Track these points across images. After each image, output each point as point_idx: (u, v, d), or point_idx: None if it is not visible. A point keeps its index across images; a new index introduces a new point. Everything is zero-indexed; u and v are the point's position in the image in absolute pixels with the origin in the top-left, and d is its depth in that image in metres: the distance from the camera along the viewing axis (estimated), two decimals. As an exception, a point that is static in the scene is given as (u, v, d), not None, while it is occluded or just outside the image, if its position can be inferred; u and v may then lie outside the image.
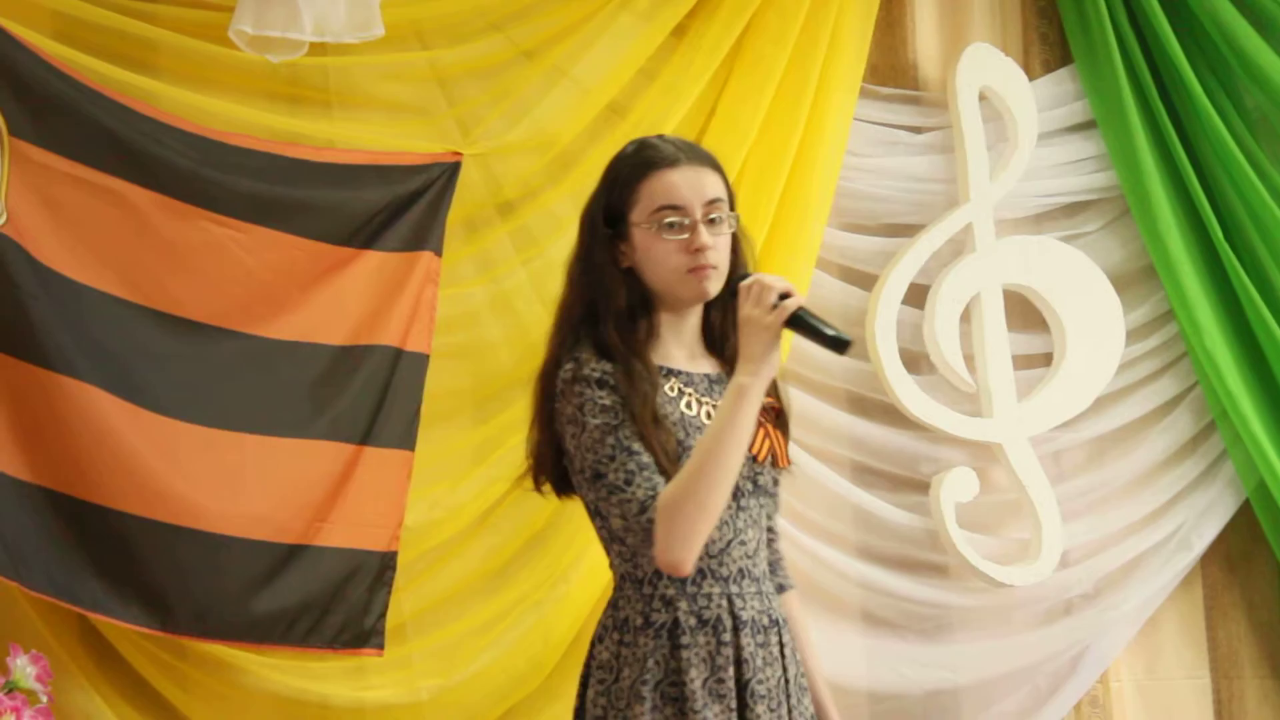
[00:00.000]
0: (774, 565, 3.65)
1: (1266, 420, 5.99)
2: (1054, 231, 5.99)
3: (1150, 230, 5.98)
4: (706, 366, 3.55)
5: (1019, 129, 5.86)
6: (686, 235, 3.44)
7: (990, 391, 5.77)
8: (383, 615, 4.91)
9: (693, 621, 3.39)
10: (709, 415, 3.45)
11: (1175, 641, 6.07)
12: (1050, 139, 5.97)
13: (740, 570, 3.44)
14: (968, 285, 5.78)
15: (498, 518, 5.11)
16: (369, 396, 4.93)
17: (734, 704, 3.37)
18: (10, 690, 4.09)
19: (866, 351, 5.66)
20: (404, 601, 4.99)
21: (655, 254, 3.47)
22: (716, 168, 3.54)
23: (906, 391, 5.69)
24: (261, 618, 4.76)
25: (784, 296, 3.33)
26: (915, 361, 5.75)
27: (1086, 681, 5.89)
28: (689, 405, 3.48)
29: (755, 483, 3.48)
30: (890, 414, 5.73)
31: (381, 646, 4.92)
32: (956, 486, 5.72)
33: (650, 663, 3.39)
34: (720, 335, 3.55)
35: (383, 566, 4.92)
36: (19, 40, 4.61)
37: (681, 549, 3.28)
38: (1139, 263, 6.07)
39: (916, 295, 5.74)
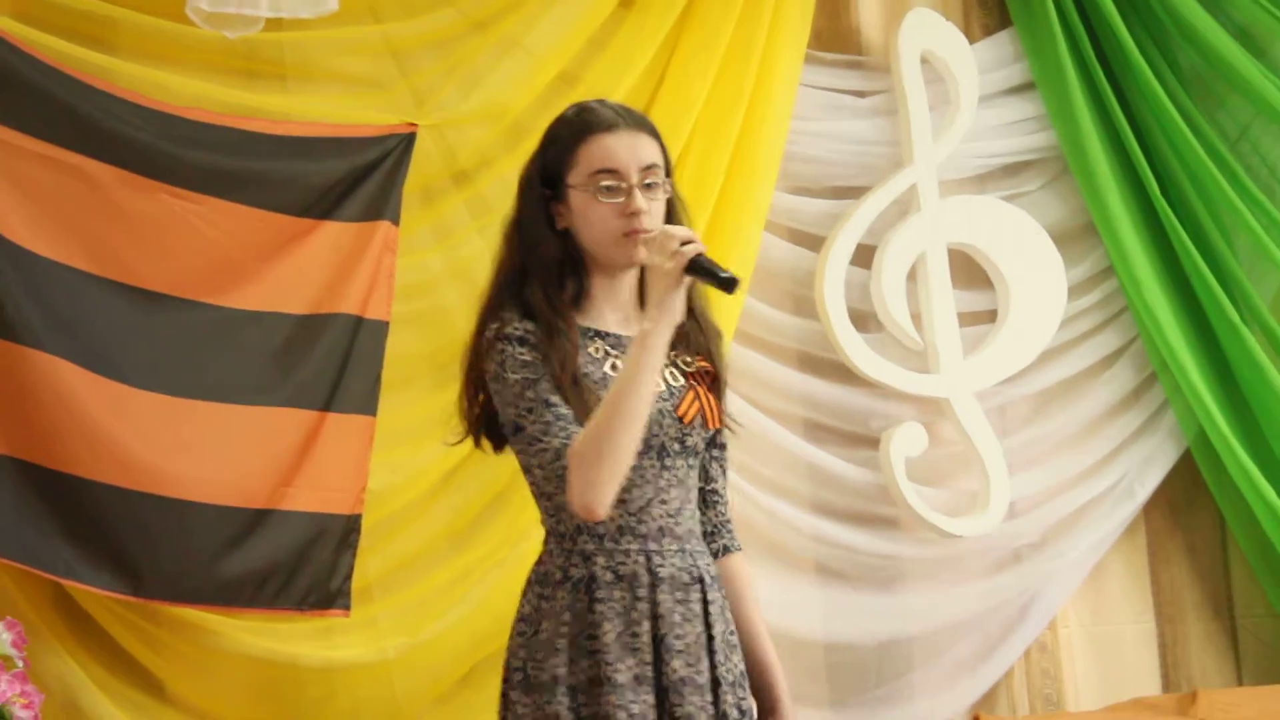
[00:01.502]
0: (719, 527, 3.64)
1: (1205, 371, 6.02)
2: (996, 191, 6.00)
3: (1089, 188, 6.00)
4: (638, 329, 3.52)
5: (960, 91, 5.87)
6: (622, 199, 3.45)
7: (937, 348, 5.78)
8: (348, 577, 4.91)
9: (609, 576, 3.40)
10: None
11: (1120, 587, 6.09)
12: (991, 101, 5.98)
13: (660, 528, 3.44)
14: (913, 245, 5.79)
15: (459, 480, 5.11)
16: (330, 364, 4.92)
17: (649, 657, 3.38)
18: (-14, 657, 4.09)
19: (816, 311, 5.67)
20: (369, 563, 4.99)
21: (591, 216, 3.47)
22: (654, 133, 3.55)
23: (856, 350, 5.70)
24: (230, 581, 4.75)
25: (684, 244, 3.34)
26: (863, 320, 5.76)
27: (1035, 628, 5.91)
28: (613, 367, 3.48)
29: (683, 443, 3.48)
30: (840, 372, 5.74)
31: (348, 607, 4.92)
32: (906, 441, 5.73)
33: (568, 615, 3.39)
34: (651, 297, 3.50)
35: (347, 529, 4.91)
36: (-25, 20, 4.60)
37: (593, 493, 3.29)
38: (1079, 220, 6.08)
39: (864, 256, 5.75)
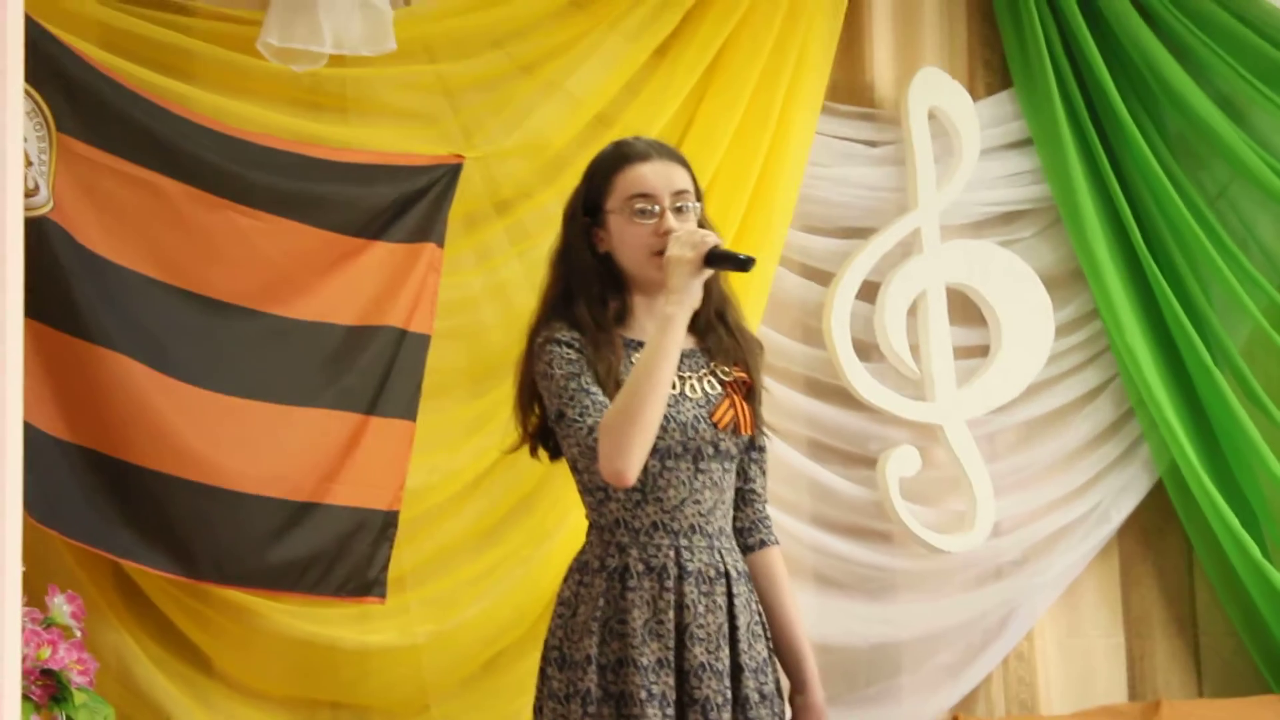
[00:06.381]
0: (757, 523, 3.64)
1: (1179, 409, 5.98)
2: (993, 236, 5.97)
3: (1079, 237, 5.96)
4: (683, 342, 3.51)
5: (963, 144, 5.84)
6: (655, 220, 3.45)
7: (933, 378, 5.75)
8: (385, 567, 4.90)
9: (640, 567, 3.41)
10: (674, 384, 3.45)
11: (1093, 604, 6.05)
12: (991, 154, 5.95)
13: (692, 526, 3.44)
14: (915, 283, 5.76)
15: (489, 482, 5.10)
16: (376, 371, 4.92)
17: (672, 643, 3.39)
18: (48, 626, 4.07)
19: (823, 341, 5.65)
20: (404, 556, 4.98)
21: (627, 237, 3.49)
22: (684, 164, 3.56)
23: (858, 377, 5.67)
24: (275, 567, 4.75)
25: (701, 240, 3.35)
26: (866, 350, 5.74)
27: (1014, 639, 5.87)
28: None
29: (717, 447, 3.48)
30: (843, 397, 5.71)
31: (384, 595, 4.90)
32: (901, 463, 5.70)
33: (602, 601, 3.41)
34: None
35: (385, 524, 4.90)
36: (68, 47, 4.60)
37: (619, 460, 3.29)
38: (1068, 266, 6.05)
39: (869, 291, 5.73)
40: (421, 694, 5.00)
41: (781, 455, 5.57)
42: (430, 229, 5.02)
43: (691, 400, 3.47)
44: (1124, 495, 6.04)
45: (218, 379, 4.72)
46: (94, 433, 4.55)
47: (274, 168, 4.86)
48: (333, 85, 5.06)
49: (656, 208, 3.48)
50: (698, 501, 3.45)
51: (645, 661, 3.36)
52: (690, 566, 3.42)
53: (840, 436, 5.73)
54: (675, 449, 3.43)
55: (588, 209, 3.56)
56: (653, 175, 3.51)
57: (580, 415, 3.37)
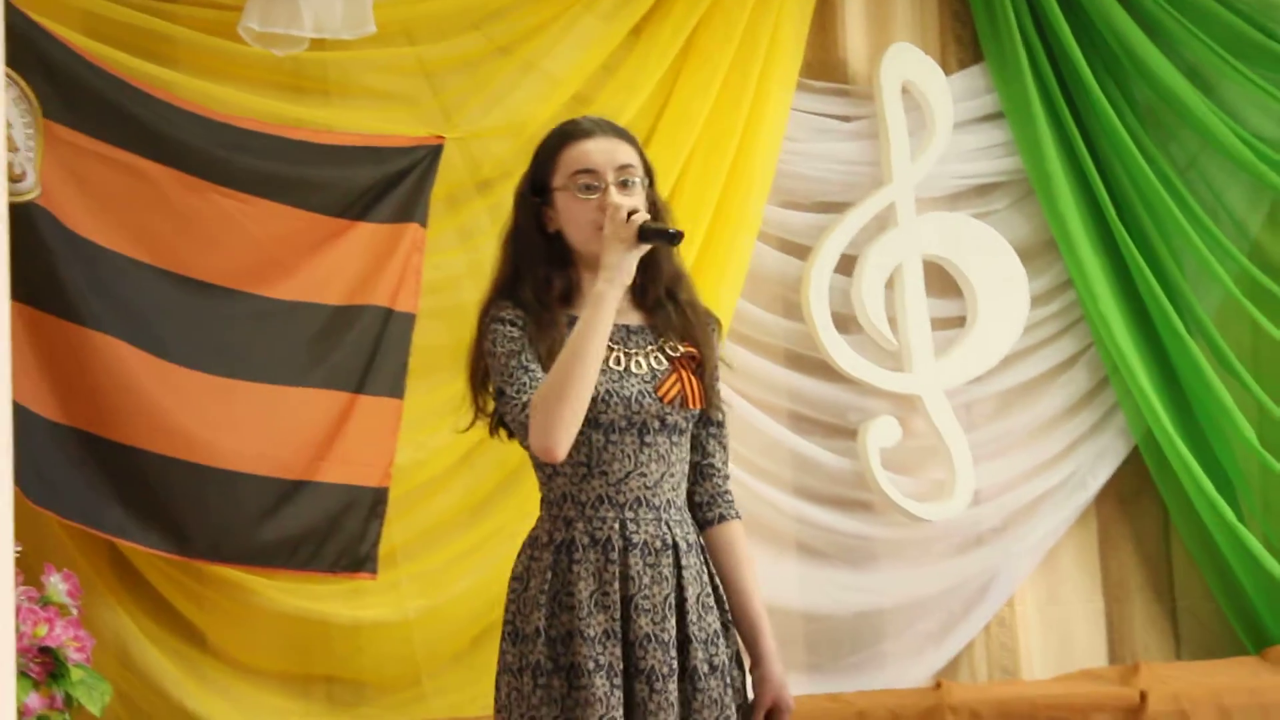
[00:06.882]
0: (716, 497, 3.59)
1: (1153, 376, 6.01)
2: (967, 209, 5.99)
3: (1051, 209, 5.99)
4: (631, 319, 3.52)
5: (936, 118, 5.86)
6: (600, 195, 3.44)
7: (911, 350, 5.78)
8: (376, 543, 4.92)
9: (586, 540, 3.39)
10: (618, 360, 3.45)
11: (1072, 570, 6.08)
12: (964, 128, 5.97)
13: (638, 499, 3.42)
14: (891, 256, 5.79)
15: (476, 459, 5.12)
16: (363, 350, 4.94)
17: (618, 614, 3.36)
18: (45, 604, 4.10)
19: (802, 314, 5.68)
20: (394, 532, 5.00)
21: (573, 213, 3.46)
22: (630, 140, 3.54)
23: (837, 349, 5.70)
24: (268, 544, 4.77)
25: (632, 214, 3.34)
26: (845, 323, 5.76)
27: (994, 605, 5.90)
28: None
29: (663, 421, 3.46)
30: (823, 369, 5.74)
31: (375, 571, 4.93)
32: (881, 433, 5.73)
33: (550, 575, 3.39)
34: (640, 288, 3.52)
35: (375, 500, 4.93)
36: (53, 35, 4.63)
37: (548, 435, 3.27)
38: (1041, 237, 6.07)
39: (846, 265, 5.75)
40: (413, 668, 5.02)
41: (763, 427, 5.61)
42: (413, 209, 5.05)
43: (637, 376, 3.45)
44: (1100, 462, 6.07)
45: (207, 360, 4.74)
46: (86, 414, 4.57)
47: (257, 151, 4.88)
48: (314, 68, 5.08)
49: (600, 184, 3.47)
50: (643, 475, 3.43)
51: (592, 633, 3.35)
52: (636, 538, 3.40)
53: (820, 408, 5.76)
54: (619, 423, 3.41)
55: (536, 189, 3.54)
56: (596, 151, 3.48)
57: (517, 392, 3.37)
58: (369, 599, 4.97)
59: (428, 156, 5.08)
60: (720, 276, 5.47)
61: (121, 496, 4.59)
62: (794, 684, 5.52)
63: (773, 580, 5.58)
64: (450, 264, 5.16)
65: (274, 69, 4.99)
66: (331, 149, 4.98)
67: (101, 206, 4.65)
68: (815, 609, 5.67)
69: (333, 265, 4.92)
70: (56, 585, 4.12)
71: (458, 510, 5.13)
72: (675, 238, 3.38)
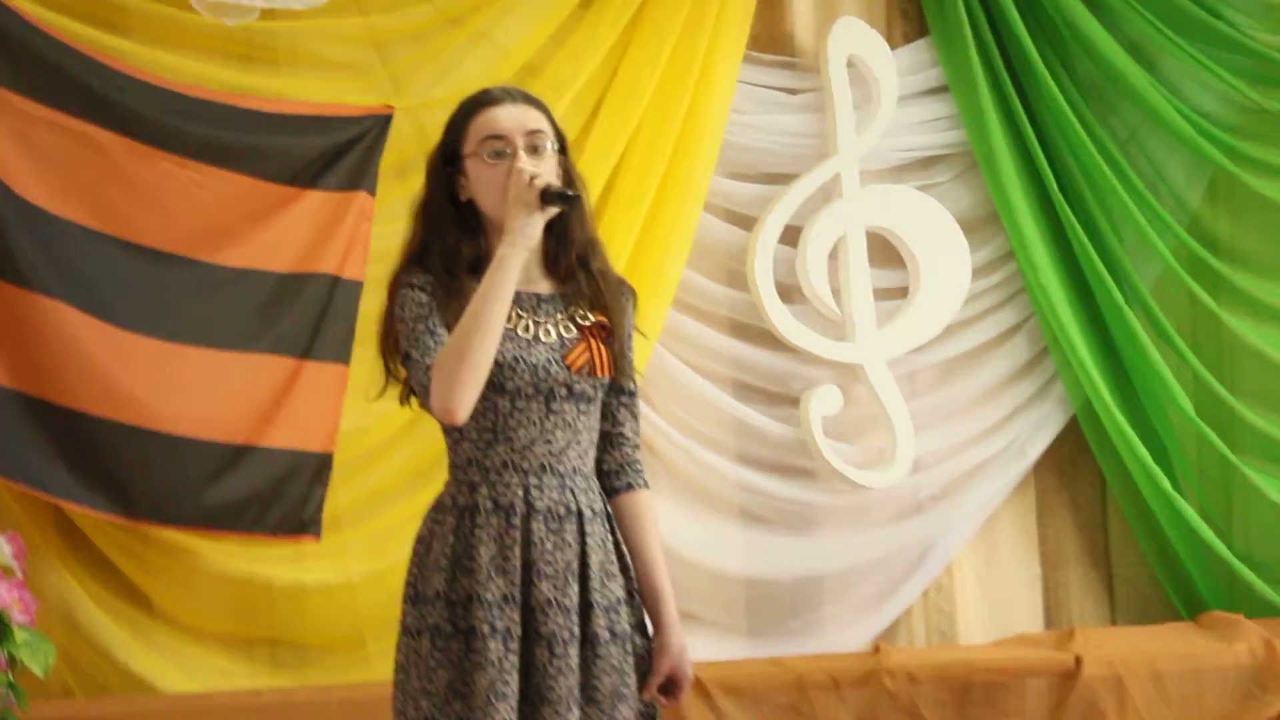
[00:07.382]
0: (625, 466, 3.57)
1: (1092, 347, 6.05)
2: (911, 181, 6.02)
3: (994, 181, 6.02)
4: (542, 287, 3.50)
5: (881, 92, 5.89)
6: (509, 160, 3.44)
7: (853, 319, 5.81)
8: (320, 507, 4.95)
9: (489, 505, 3.38)
10: (527, 328, 3.46)
11: (1010, 537, 6.12)
12: (908, 101, 5.99)
13: (543, 465, 3.41)
14: (835, 227, 5.82)
15: (421, 426, 5.08)
16: (309, 317, 4.96)
17: (518, 579, 3.34)
18: (-11, 566, 4.11)
19: (747, 284, 5.71)
20: (340, 496, 5.03)
21: (483, 179, 3.44)
22: (540, 107, 3.52)
23: (781, 319, 5.73)
24: (213, 508, 4.80)
25: (534, 178, 3.34)
26: (789, 293, 5.79)
27: (933, 571, 5.95)
28: (508, 319, 3.46)
29: (570, 389, 3.45)
30: (767, 338, 5.77)
31: (318, 534, 4.96)
32: (823, 401, 5.77)
33: (452, 538, 3.38)
34: (552, 257, 3.52)
35: (320, 465, 4.96)
36: (3, 3, 4.62)
37: (448, 397, 3.25)
38: (984, 210, 6.10)
39: (791, 235, 5.78)
40: (358, 631, 5.04)
41: (707, 395, 5.65)
42: (361, 178, 5.07)
43: (545, 344, 3.44)
44: (1039, 431, 6.12)
45: (155, 325, 4.76)
46: (32, 378, 4.59)
47: (208, 119, 4.89)
48: (265, 38, 5.09)
49: (509, 149, 3.47)
50: (549, 441, 3.43)
51: (490, 597, 3.34)
52: (539, 504, 3.40)
53: (764, 376, 5.79)
54: (526, 390, 3.40)
55: (447, 158, 3.53)
56: (505, 117, 3.46)
57: (421, 355, 3.35)
58: (313, 562, 5.00)
59: (376, 126, 5.10)
60: (666, 246, 5.50)
61: (68, 460, 4.61)
62: (735, 648, 5.65)
63: (716, 546, 5.65)
64: (398, 233, 4.97)
65: (225, 38, 5.00)
66: (281, 118, 4.99)
67: (51, 173, 4.66)
68: (757, 574, 5.71)
69: (281, 232, 4.94)
70: (1, 547, 4.13)
71: (403, 475, 5.15)
72: (572, 200, 3.38)
